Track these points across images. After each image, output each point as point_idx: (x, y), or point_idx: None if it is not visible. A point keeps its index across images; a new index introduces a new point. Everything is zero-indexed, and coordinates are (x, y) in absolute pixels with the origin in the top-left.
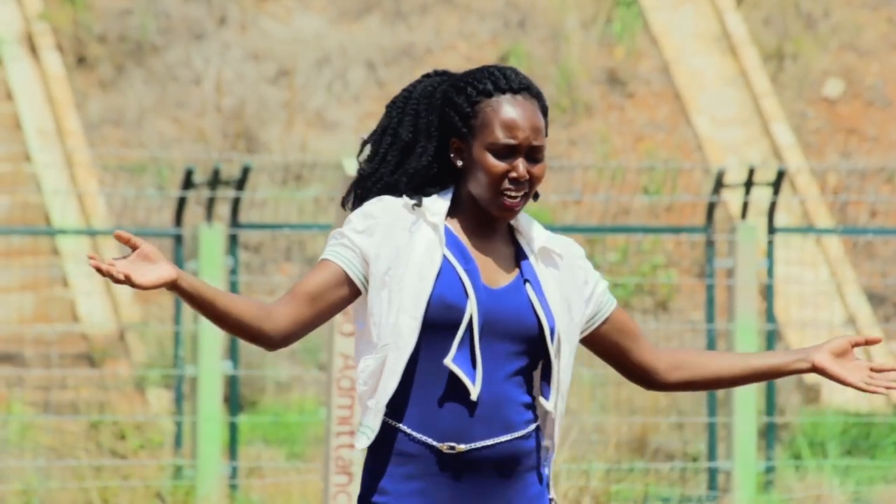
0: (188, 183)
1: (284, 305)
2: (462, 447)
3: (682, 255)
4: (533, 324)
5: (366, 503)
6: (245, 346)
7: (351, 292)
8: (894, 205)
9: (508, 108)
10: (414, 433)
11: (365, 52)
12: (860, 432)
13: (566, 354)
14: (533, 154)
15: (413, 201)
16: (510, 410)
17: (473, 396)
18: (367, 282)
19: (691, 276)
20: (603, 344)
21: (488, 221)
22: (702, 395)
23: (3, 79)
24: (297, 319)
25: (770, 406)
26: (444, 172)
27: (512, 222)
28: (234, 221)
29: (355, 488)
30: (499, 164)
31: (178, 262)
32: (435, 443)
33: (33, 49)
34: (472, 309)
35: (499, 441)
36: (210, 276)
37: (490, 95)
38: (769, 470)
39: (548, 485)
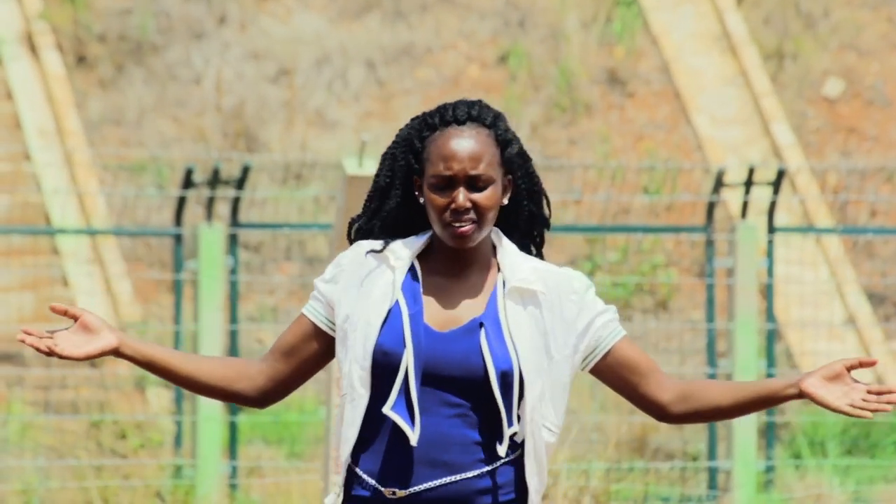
0: (188, 182)
1: (262, 362)
2: (402, 493)
3: (682, 254)
4: (479, 367)
5: None
6: (245, 346)
7: (326, 343)
8: (894, 204)
9: (446, 141)
10: (365, 477)
11: (365, 51)
12: (860, 432)
13: (535, 392)
14: (475, 183)
15: (377, 245)
16: (456, 452)
17: (413, 442)
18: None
19: (691, 276)
20: (607, 377)
21: (458, 257)
22: None
23: (3, 78)
24: (273, 376)
25: None
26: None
27: (498, 258)
28: (234, 221)
29: None
30: (438, 198)
31: (178, 261)
32: (381, 487)
33: (33, 48)
34: (407, 357)
35: (442, 483)
36: (210, 275)
37: (436, 129)
38: (769, 469)
39: None
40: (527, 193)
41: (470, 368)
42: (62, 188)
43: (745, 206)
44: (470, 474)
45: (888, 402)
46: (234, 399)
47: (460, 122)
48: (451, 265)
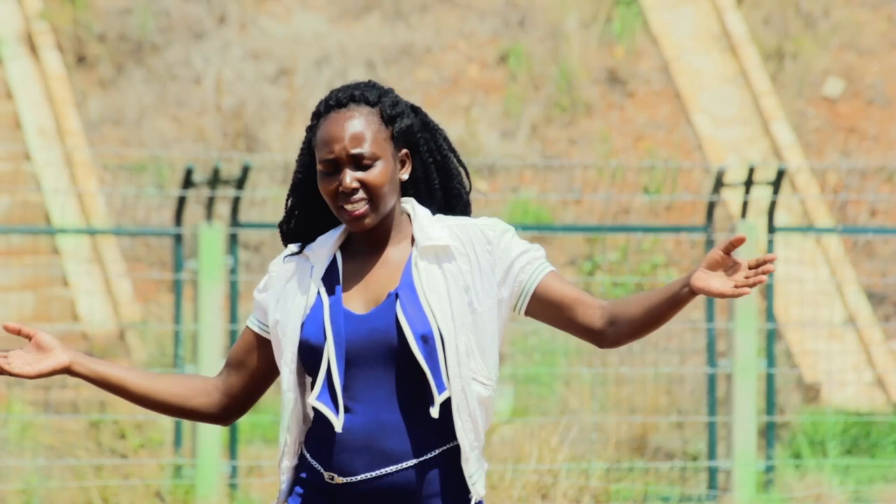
0: (188, 182)
1: (217, 378)
2: (340, 480)
3: (682, 254)
4: (402, 340)
5: None
6: None
7: (270, 351)
8: (894, 204)
9: (327, 126)
10: (310, 459)
11: (365, 51)
12: (860, 431)
13: (460, 348)
14: (359, 162)
15: (294, 248)
16: (394, 441)
17: (338, 429)
18: None
19: None
20: (539, 316)
21: (372, 237)
22: (702, 395)
23: (2, 78)
24: (228, 391)
25: (770, 405)
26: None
27: (413, 227)
28: (234, 220)
29: None
30: (327, 184)
31: (178, 261)
32: (322, 471)
33: (33, 48)
34: (329, 348)
35: (378, 475)
36: (210, 275)
37: (319, 117)
38: (769, 469)
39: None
40: (436, 167)
41: (390, 341)
42: (62, 188)
43: (745, 205)
44: (408, 463)
45: (764, 272)
46: (193, 416)
47: (342, 105)
48: (367, 247)
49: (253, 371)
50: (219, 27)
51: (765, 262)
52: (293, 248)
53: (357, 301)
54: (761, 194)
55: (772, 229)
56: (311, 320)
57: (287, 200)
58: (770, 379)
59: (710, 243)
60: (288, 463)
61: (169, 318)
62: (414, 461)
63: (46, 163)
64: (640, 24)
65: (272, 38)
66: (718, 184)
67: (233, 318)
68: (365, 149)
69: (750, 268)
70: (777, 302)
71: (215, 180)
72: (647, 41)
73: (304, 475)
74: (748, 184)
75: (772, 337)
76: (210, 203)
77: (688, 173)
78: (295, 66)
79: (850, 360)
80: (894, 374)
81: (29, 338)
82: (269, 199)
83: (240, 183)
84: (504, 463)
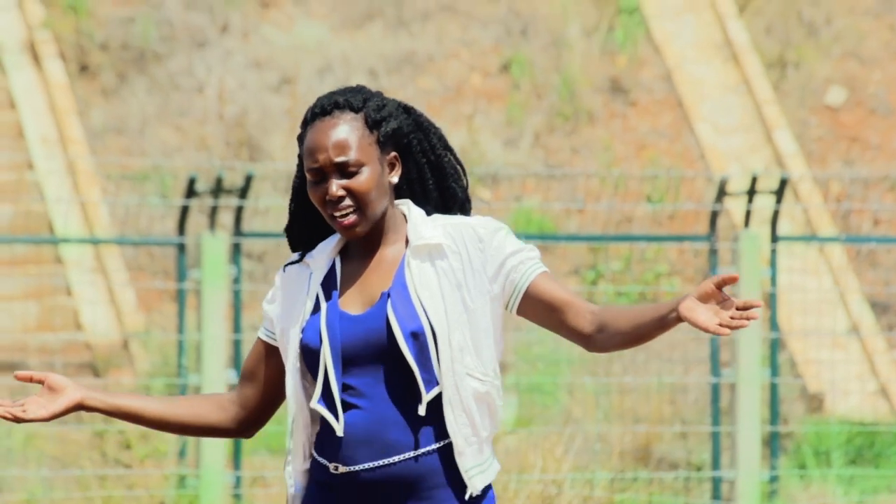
0: (191, 191)
1: (232, 392)
2: (343, 469)
3: (685, 263)
4: (393, 339)
5: None
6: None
7: (281, 360)
8: None
9: (311, 135)
10: (317, 457)
11: (367, 59)
12: (864, 441)
13: (453, 344)
14: (344, 169)
15: (295, 257)
16: (393, 433)
17: (339, 432)
18: None
19: (694, 285)
20: (530, 315)
21: (368, 240)
22: (705, 405)
23: (5, 87)
24: (244, 403)
25: (774, 415)
26: None
27: (408, 227)
28: (237, 230)
29: None
30: (315, 193)
31: (181, 270)
32: (326, 462)
33: (36, 57)
34: (324, 351)
35: (379, 465)
36: (213, 284)
37: (307, 125)
38: (773, 479)
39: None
40: (429, 167)
41: (383, 340)
42: (65, 197)
43: (748, 214)
44: (408, 455)
45: (748, 318)
46: (212, 433)
47: (326, 113)
48: (363, 250)
49: (266, 381)
50: (221, 36)
51: (751, 308)
52: (294, 256)
53: (353, 303)
54: (764, 203)
55: (775, 238)
56: (310, 325)
57: (290, 205)
58: (774, 389)
59: (713, 252)
60: (298, 466)
61: (172, 327)
62: (413, 453)
63: (49, 172)
64: (642, 32)
65: (274, 46)
66: (721, 193)
67: (236, 327)
68: (349, 156)
69: (738, 309)
70: (780, 311)
71: (218, 189)
72: (650, 50)
73: (313, 474)
74: (751, 193)
75: (775, 346)
76: (213, 212)
77: (690, 182)
78: (297, 75)
79: (853, 369)
80: None
81: (41, 383)
82: (273, 208)
83: (243, 192)
84: (508, 473)
